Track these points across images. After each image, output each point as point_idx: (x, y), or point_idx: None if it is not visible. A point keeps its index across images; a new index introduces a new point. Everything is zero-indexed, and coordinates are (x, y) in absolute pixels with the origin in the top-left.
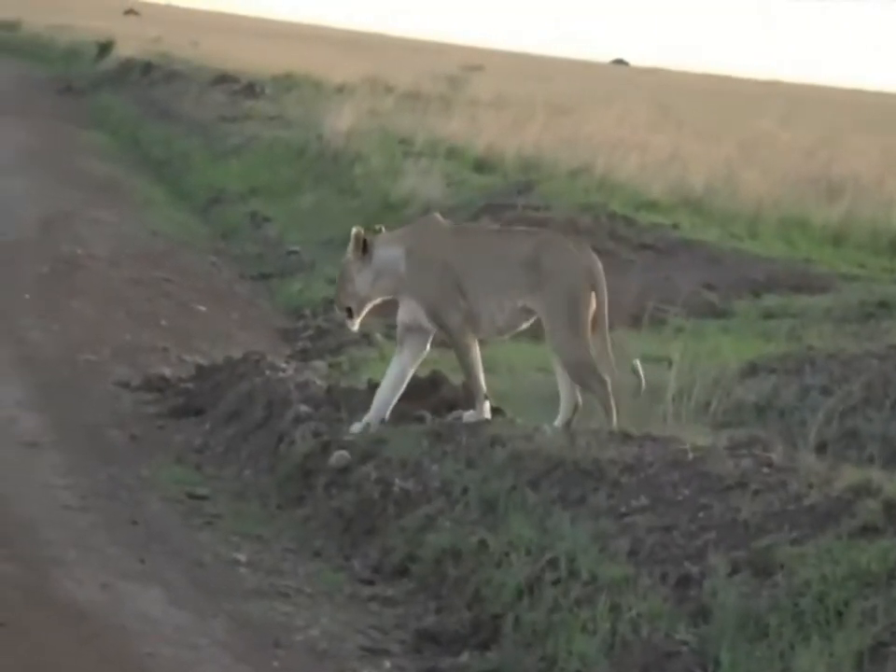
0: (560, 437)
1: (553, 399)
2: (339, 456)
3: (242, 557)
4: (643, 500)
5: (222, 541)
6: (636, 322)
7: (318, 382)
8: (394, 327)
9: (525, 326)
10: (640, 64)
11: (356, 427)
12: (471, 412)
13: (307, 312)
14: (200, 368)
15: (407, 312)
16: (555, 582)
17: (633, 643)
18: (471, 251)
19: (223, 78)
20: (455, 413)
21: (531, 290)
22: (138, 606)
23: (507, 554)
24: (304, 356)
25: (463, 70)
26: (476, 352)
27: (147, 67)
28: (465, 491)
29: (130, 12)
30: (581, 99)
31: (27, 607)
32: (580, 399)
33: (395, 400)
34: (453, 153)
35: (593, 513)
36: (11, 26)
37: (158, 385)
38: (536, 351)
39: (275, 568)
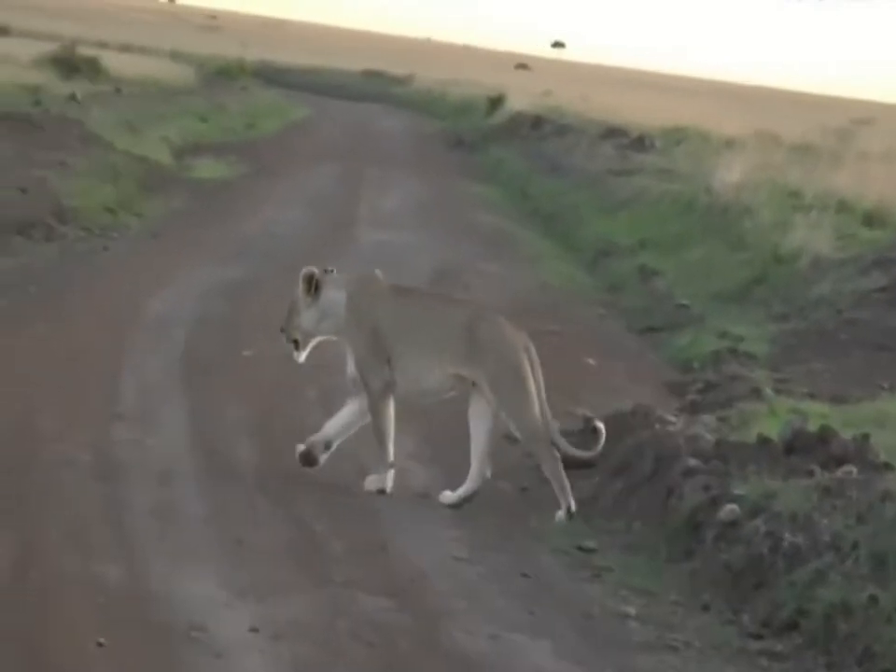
0: None
1: None
2: (728, 510)
3: (630, 610)
4: None
5: (611, 594)
6: None
7: (707, 436)
8: (784, 381)
9: (450, 394)
10: None
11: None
12: (373, 476)
13: (696, 365)
14: (589, 421)
15: (349, 361)
16: None
17: None
18: (406, 315)
19: (612, 132)
20: (844, 469)
21: (466, 360)
22: (527, 657)
23: None
24: (693, 409)
25: (853, 123)
26: (390, 417)
27: (538, 121)
28: (855, 546)
29: (521, 66)
30: None
31: (418, 656)
32: (488, 473)
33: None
34: (842, 207)
35: None
36: (403, 81)
37: None
38: None
39: (664, 622)
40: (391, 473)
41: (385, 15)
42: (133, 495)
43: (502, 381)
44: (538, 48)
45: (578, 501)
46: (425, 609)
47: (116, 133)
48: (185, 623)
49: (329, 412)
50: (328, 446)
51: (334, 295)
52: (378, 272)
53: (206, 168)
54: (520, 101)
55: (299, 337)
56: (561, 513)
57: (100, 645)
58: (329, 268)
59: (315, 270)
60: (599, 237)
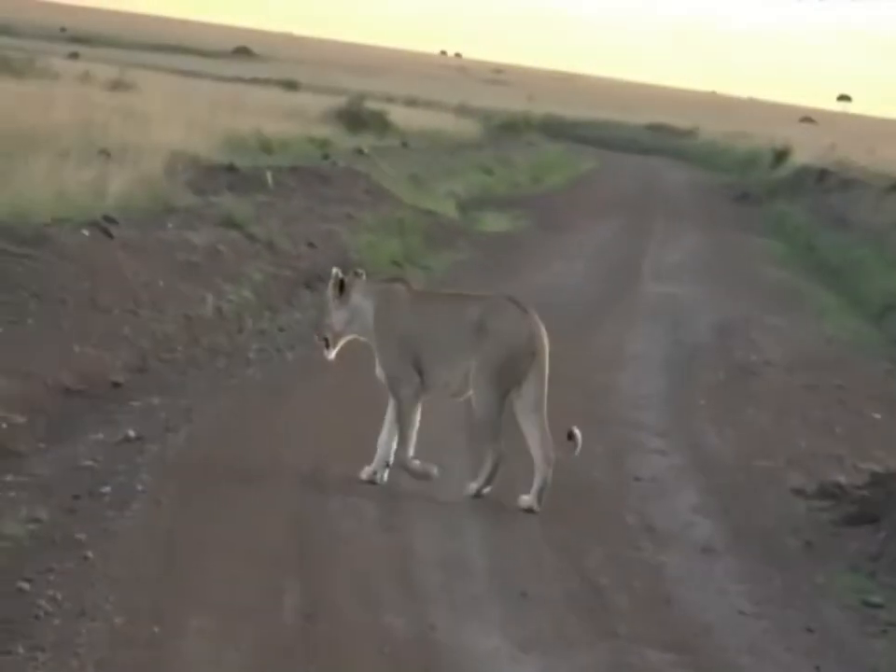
0: None
1: None
2: None
3: None
4: None
5: None
6: None
7: None
8: None
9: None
10: None
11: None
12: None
13: None
14: (875, 475)
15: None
16: None
17: None
18: (429, 320)
19: None
20: None
21: (474, 351)
22: None
23: None
24: None
25: None
26: (416, 422)
27: (823, 174)
28: None
29: (805, 119)
30: None
31: None
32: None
33: (394, 444)
34: None
35: None
36: (688, 134)
37: (832, 493)
38: None
39: None
40: (386, 472)
41: (670, 68)
42: (420, 545)
43: (484, 367)
44: (823, 101)
45: (863, 556)
46: (710, 664)
47: (402, 187)
48: None
49: (620, 468)
50: (388, 465)
51: (362, 300)
52: (403, 279)
53: (492, 221)
54: (805, 154)
55: (329, 336)
56: (472, 485)
57: None
58: (359, 271)
59: (341, 273)
60: (886, 291)
